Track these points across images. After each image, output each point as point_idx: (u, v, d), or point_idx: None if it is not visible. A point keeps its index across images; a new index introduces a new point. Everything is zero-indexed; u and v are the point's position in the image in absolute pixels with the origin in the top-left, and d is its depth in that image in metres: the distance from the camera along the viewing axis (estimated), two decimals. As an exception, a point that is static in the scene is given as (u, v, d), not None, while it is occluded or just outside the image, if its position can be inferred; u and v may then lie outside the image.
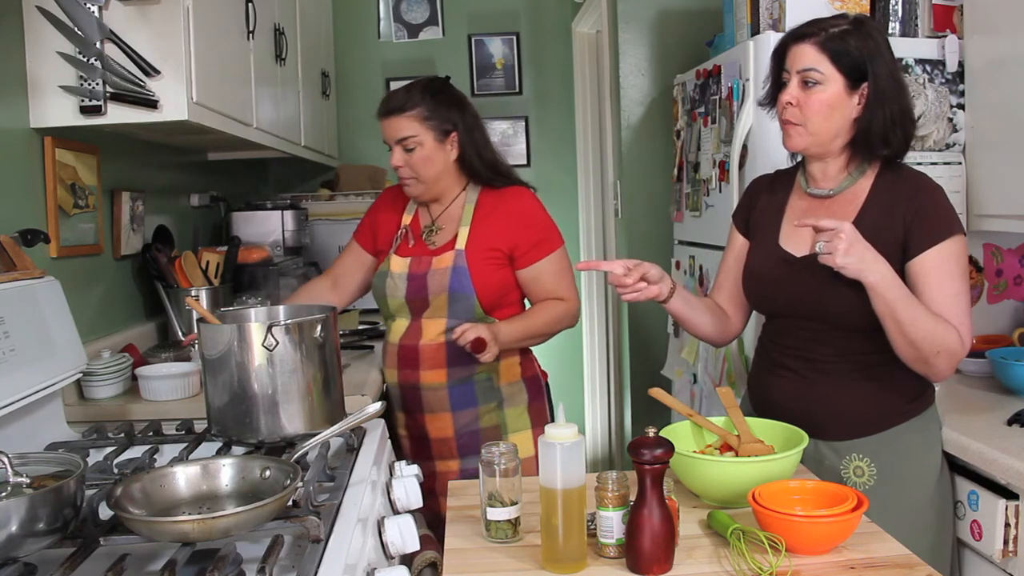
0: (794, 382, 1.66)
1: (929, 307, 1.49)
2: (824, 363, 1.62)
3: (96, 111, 1.86)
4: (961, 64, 2.20)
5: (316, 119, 3.44)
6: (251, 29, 2.44)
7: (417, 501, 1.51)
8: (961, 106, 2.21)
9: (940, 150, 2.21)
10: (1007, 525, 1.58)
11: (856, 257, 1.43)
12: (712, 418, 1.57)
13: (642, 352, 3.29)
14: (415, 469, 1.62)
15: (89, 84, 1.85)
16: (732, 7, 2.50)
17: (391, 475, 1.61)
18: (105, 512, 1.19)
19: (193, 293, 2.42)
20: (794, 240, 1.66)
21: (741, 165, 2.30)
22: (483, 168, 2.05)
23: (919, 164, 2.08)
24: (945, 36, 2.19)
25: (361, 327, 2.88)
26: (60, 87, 1.86)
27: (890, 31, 2.24)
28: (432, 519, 1.80)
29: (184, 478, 1.26)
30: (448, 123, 1.99)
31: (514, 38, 4.19)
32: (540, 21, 4.20)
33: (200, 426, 1.69)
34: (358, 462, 1.49)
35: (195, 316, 1.93)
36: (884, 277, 1.45)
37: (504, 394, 2.06)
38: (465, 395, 2.02)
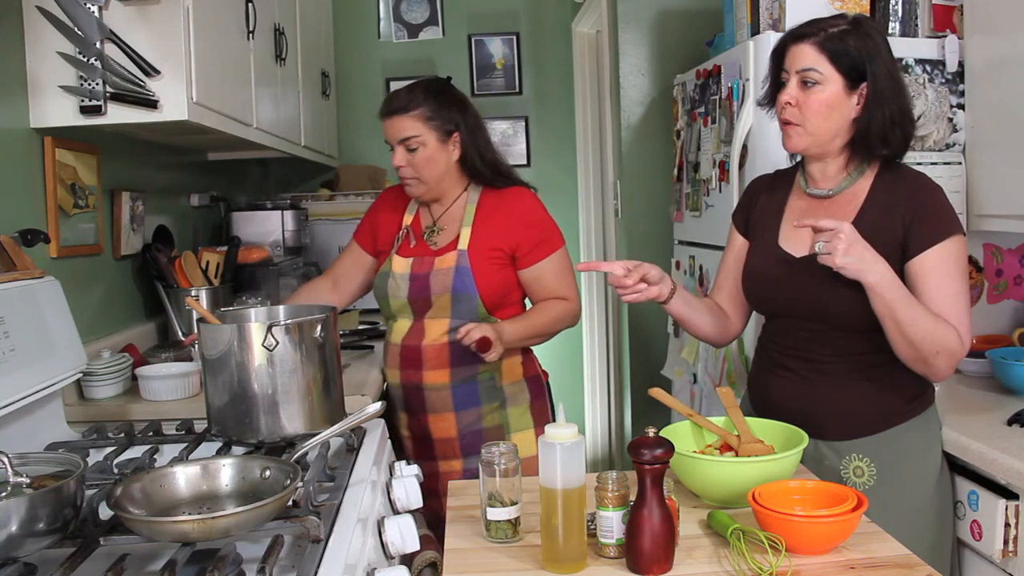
0: (794, 382, 1.66)
1: (928, 307, 1.49)
2: (824, 363, 1.62)
3: (96, 111, 1.86)
4: (961, 64, 2.20)
5: (316, 119, 3.44)
6: (251, 29, 2.44)
7: (417, 501, 1.51)
8: (961, 106, 2.21)
9: (940, 150, 2.21)
10: (1007, 525, 1.58)
11: (855, 257, 1.43)
12: (712, 418, 1.57)
13: (642, 352, 3.29)
14: (415, 469, 1.62)
15: (89, 84, 1.85)
16: (732, 7, 2.50)
17: (391, 475, 1.61)
18: (105, 512, 1.19)
19: (193, 293, 2.42)
20: (793, 240, 1.66)
21: (741, 165, 2.30)
22: (485, 168, 2.05)
23: (919, 164, 2.08)
24: (945, 36, 2.19)
25: (361, 327, 2.88)
26: (60, 87, 1.86)
27: (890, 31, 2.24)
28: (435, 519, 1.80)
29: (184, 478, 1.26)
30: (451, 123, 2.00)
31: (514, 38, 4.19)
32: (540, 21, 4.20)
33: (200, 426, 1.69)
34: (358, 462, 1.49)
35: (195, 316, 1.93)
36: (883, 277, 1.45)
37: (507, 393, 2.06)
38: (468, 395, 2.02)
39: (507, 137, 4.20)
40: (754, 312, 1.82)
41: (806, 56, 1.57)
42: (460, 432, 2.03)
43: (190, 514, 1.19)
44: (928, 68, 2.19)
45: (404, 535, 1.32)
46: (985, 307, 2.33)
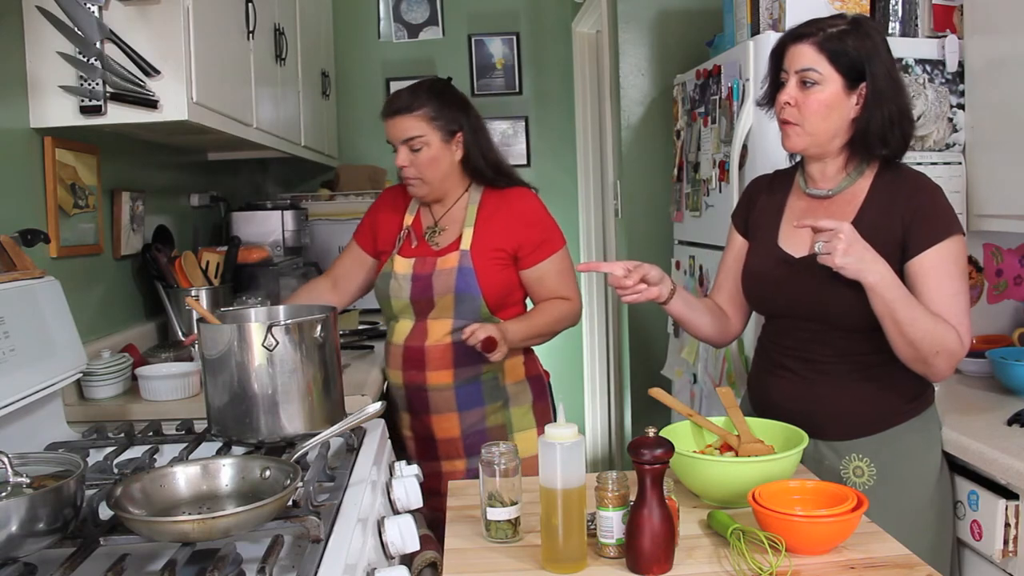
0: (794, 382, 1.66)
1: (928, 307, 1.49)
2: (823, 363, 1.62)
3: (96, 111, 1.86)
4: (961, 64, 2.20)
5: (316, 119, 3.44)
6: (251, 29, 2.44)
7: (417, 501, 1.51)
8: (961, 106, 2.21)
9: (940, 150, 2.21)
10: (1007, 525, 1.58)
11: (855, 257, 1.43)
12: (712, 418, 1.57)
13: (642, 352, 3.29)
14: (415, 469, 1.62)
15: (89, 84, 1.85)
16: (732, 7, 2.50)
17: (391, 475, 1.61)
18: (105, 512, 1.19)
19: (193, 293, 2.42)
20: (793, 241, 1.66)
21: (741, 165, 2.30)
22: (487, 168, 2.06)
23: (919, 164, 2.08)
24: (945, 36, 2.19)
25: (361, 327, 2.88)
26: (60, 87, 1.86)
27: (890, 31, 2.24)
28: (438, 519, 1.80)
29: (184, 478, 1.26)
30: (454, 123, 2.00)
31: (514, 38, 4.19)
32: (540, 21, 4.20)
33: (200, 426, 1.69)
34: (358, 462, 1.49)
35: (195, 316, 1.93)
36: (883, 277, 1.45)
37: (510, 393, 2.06)
38: (472, 395, 2.02)
39: (507, 137, 4.19)
40: (754, 312, 1.82)
41: (805, 56, 1.57)
42: (463, 432, 2.03)
43: (190, 514, 1.19)
44: (928, 68, 2.19)
45: (404, 535, 1.32)
46: (985, 307, 2.33)
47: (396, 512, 1.49)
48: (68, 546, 1.11)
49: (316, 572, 1.07)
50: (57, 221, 1.96)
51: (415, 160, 1.98)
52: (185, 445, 1.57)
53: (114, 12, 1.84)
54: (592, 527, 1.28)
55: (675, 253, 2.94)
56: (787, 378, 1.67)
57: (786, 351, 1.68)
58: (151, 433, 1.71)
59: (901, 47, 2.15)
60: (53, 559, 1.08)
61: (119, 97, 1.86)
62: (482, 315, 1.99)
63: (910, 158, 2.01)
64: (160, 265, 2.43)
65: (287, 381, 1.52)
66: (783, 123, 1.62)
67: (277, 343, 1.50)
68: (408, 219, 2.10)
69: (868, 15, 2.20)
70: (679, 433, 1.55)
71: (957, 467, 1.70)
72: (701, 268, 2.66)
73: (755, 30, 2.34)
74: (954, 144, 2.21)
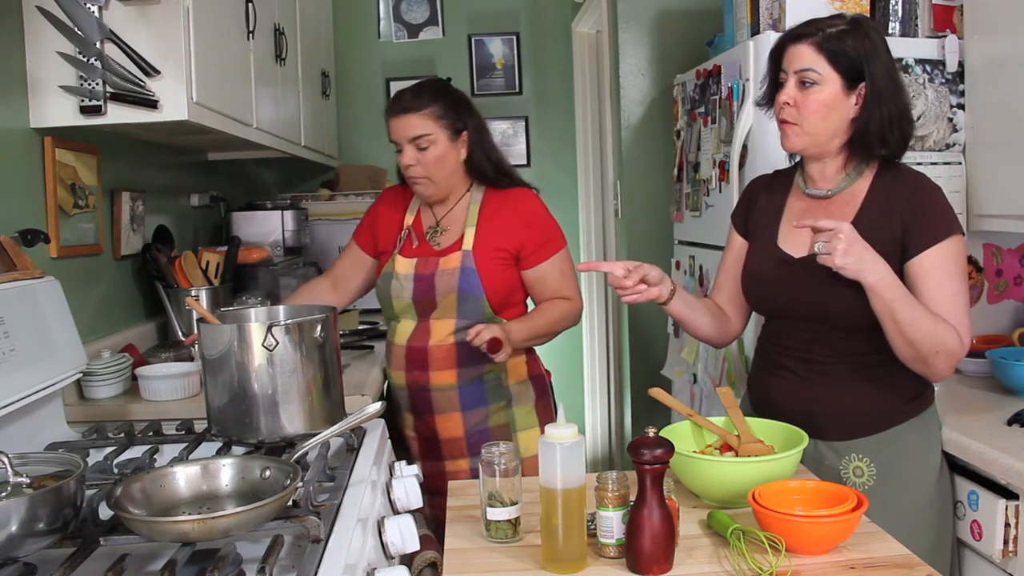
0: (793, 383, 1.66)
1: (928, 307, 1.49)
2: (823, 364, 1.62)
3: (96, 111, 1.86)
4: (961, 64, 2.20)
5: (316, 119, 3.44)
6: (251, 29, 2.44)
7: (417, 501, 1.51)
8: (961, 106, 2.21)
9: (940, 150, 2.21)
10: (1007, 525, 1.58)
11: (855, 257, 1.43)
12: (712, 418, 1.57)
13: (642, 352, 3.29)
14: (415, 469, 1.62)
15: (89, 84, 1.85)
16: (732, 7, 2.50)
17: (391, 475, 1.61)
18: (105, 512, 1.19)
19: (193, 293, 2.42)
20: (792, 241, 1.66)
21: (741, 165, 2.30)
22: (490, 168, 2.06)
23: (919, 164, 2.08)
24: (945, 36, 2.19)
25: (361, 327, 2.88)
26: (60, 87, 1.86)
27: (890, 31, 2.24)
28: (441, 519, 1.80)
29: (184, 478, 1.26)
30: (460, 122, 2.01)
31: (514, 38, 4.19)
32: (540, 21, 4.20)
33: (200, 426, 1.70)
34: (358, 462, 1.49)
35: (195, 316, 1.93)
36: (883, 277, 1.45)
37: (512, 392, 2.07)
38: (475, 395, 2.02)
39: (507, 137, 4.19)
40: (754, 312, 1.82)
41: (804, 56, 1.57)
42: (467, 432, 2.03)
43: (190, 514, 1.19)
44: (928, 68, 2.19)
45: (404, 535, 1.32)
46: (985, 307, 2.33)
47: (396, 512, 1.49)
48: (68, 546, 1.11)
49: (316, 572, 1.07)
50: (57, 221, 1.96)
51: (422, 159, 1.98)
52: (185, 445, 1.57)
53: (114, 12, 1.84)
54: (592, 527, 1.28)
55: (675, 253, 2.94)
56: (787, 378, 1.67)
57: (786, 351, 1.67)
58: (151, 433, 1.71)
59: (901, 47, 2.15)
60: (53, 559, 1.08)
61: (119, 97, 1.86)
62: (485, 315, 1.99)
63: (910, 158, 2.01)
64: (160, 265, 2.43)
65: (287, 381, 1.52)
66: (782, 123, 1.62)
67: (277, 343, 1.50)
68: (409, 219, 2.10)
69: (868, 15, 2.20)
70: (679, 433, 1.55)
71: (957, 467, 1.70)
72: (701, 268, 2.66)
73: (755, 30, 2.34)
74: (954, 144, 2.21)
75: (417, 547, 1.34)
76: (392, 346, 2.08)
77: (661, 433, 1.24)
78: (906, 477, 1.60)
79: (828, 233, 1.44)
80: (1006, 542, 1.58)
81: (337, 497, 1.30)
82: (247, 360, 1.51)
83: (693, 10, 3.17)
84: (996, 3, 2.08)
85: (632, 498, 1.24)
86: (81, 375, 1.82)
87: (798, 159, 1.73)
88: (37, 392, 1.57)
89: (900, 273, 1.51)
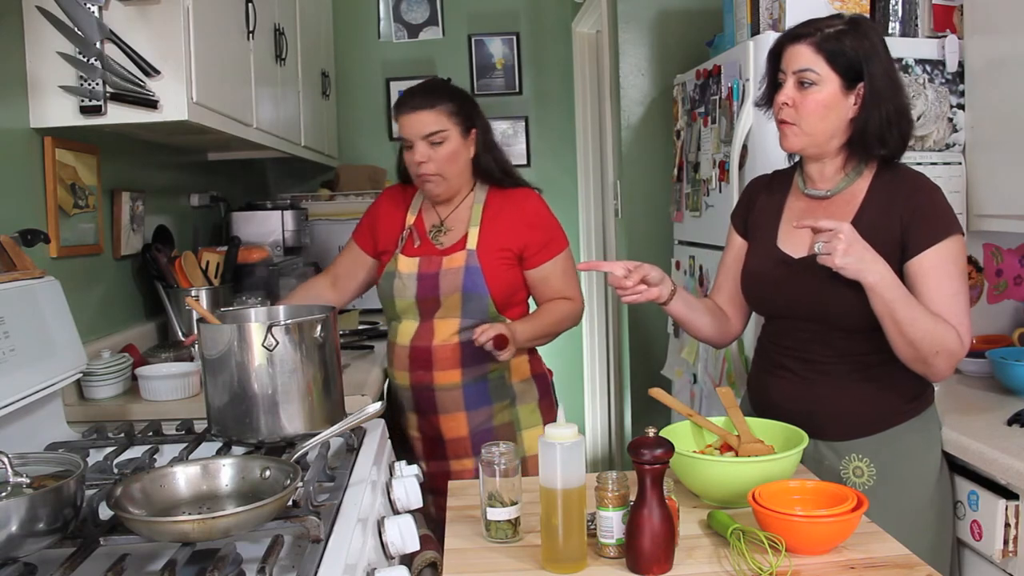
0: (793, 383, 1.66)
1: (928, 307, 1.49)
2: (823, 364, 1.62)
3: (96, 111, 1.86)
4: (961, 64, 2.20)
5: (316, 119, 3.44)
6: (251, 29, 2.44)
7: (417, 501, 1.51)
8: (961, 106, 2.21)
9: (940, 150, 2.21)
10: (1007, 525, 1.58)
11: (855, 257, 1.43)
12: (712, 418, 1.57)
13: (642, 352, 3.29)
14: (415, 469, 1.62)
15: (89, 84, 1.85)
16: (732, 7, 2.50)
17: (391, 475, 1.61)
18: (105, 512, 1.19)
19: (193, 293, 2.42)
20: (792, 241, 1.66)
21: (741, 165, 2.30)
22: (495, 168, 2.07)
23: (919, 164, 2.08)
24: (945, 36, 2.19)
25: (361, 327, 2.88)
26: (60, 87, 1.86)
27: (890, 31, 2.24)
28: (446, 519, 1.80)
29: (184, 478, 1.26)
30: (470, 120, 2.02)
31: (514, 38, 4.19)
32: (540, 21, 4.20)
33: (200, 426, 1.69)
34: (358, 462, 1.49)
35: (195, 316, 1.93)
36: (883, 277, 1.45)
37: (516, 391, 2.07)
38: (479, 394, 2.02)
39: (507, 137, 4.19)
40: (754, 313, 1.82)
41: (803, 56, 1.57)
42: (472, 431, 2.03)
43: (190, 514, 1.19)
44: (928, 68, 2.19)
45: (404, 535, 1.32)
46: (985, 307, 2.33)
47: (396, 512, 1.49)
48: (68, 546, 1.11)
49: (316, 572, 1.07)
50: (57, 221, 1.96)
51: (434, 156, 1.97)
52: (185, 445, 1.57)
53: (114, 12, 1.84)
54: (592, 527, 1.28)
55: (675, 253, 2.94)
56: (787, 378, 1.67)
57: (786, 351, 1.67)
58: (151, 433, 1.71)
59: (901, 47, 2.15)
60: (53, 559, 1.08)
61: (119, 97, 1.86)
62: (489, 314, 1.99)
63: (910, 158, 2.01)
64: (160, 265, 2.43)
65: (287, 381, 1.52)
66: (781, 123, 1.62)
67: (277, 343, 1.50)
68: (411, 218, 2.10)
69: (867, 15, 2.20)
70: (679, 433, 1.55)
71: (957, 467, 1.70)
72: (701, 268, 2.66)
73: (755, 30, 2.34)
74: (954, 144, 2.21)
75: (417, 547, 1.34)
76: (395, 346, 2.08)
77: (661, 433, 1.24)
78: (906, 477, 1.60)
79: (828, 233, 1.44)
80: (1006, 542, 1.58)
81: (337, 497, 1.30)
82: (247, 360, 1.51)
83: (693, 10, 3.17)
84: (996, 3, 2.08)
85: (632, 498, 1.24)
86: (81, 375, 1.82)
87: (797, 159, 1.73)
88: (37, 392, 1.57)
89: (900, 273, 1.51)
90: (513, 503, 1.32)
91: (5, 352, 1.49)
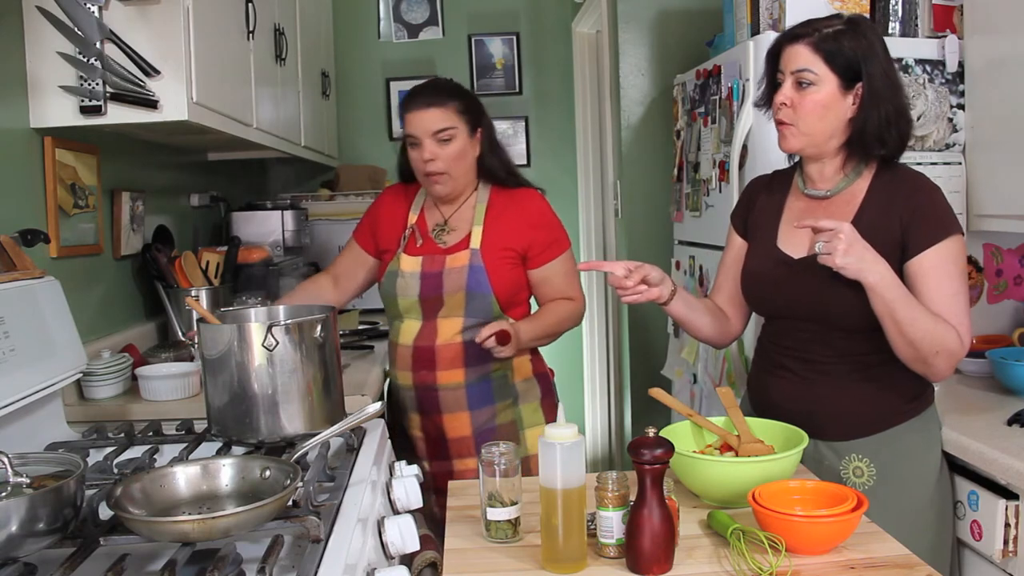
0: (793, 383, 1.66)
1: (928, 307, 1.49)
2: (823, 364, 1.62)
3: (96, 111, 1.86)
4: (961, 64, 2.20)
5: (316, 119, 3.44)
6: (251, 29, 2.44)
7: (417, 501, 1.51)
8: (961, 106, 2.21)
9: (940, 150, 2.21)
10: (1007, 525, 1.58)
11: (855, 257, 1.43)
12: (712, 418, 1.57)
13: (642, 352, 3.29)
14: (415, 469, 1.62)
15: (89, 84, 1.85)
16: (732, 7, 2.50)
17: (391, 475, 1.61)
18: (105, 512, 1.19)
19: (193, 293, 2.42)
20: (792, 241, 1.66)
21: (741, 165, 2.30)
22: (500, 168, 2.07)
23: (919, 164, 2.08)
24: (945, 36, 2.19)
25: (361, 327, 2.88)
26: (60, 87, 1.86)
27: (890, 31, 2.24)
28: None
29: (184, 478, 1.26)
30: (476, 120, 2.02)
31: (514, 38, 4.19)
32: (540, 21, 4.20)
33: (200, 426, 1.69)
34: (358, 462, 1.49)
35: (195, 316, 1.93)
36: (883, 277, 1.45)
37: (519, 390, 2.07)
38: (483, 393, 2.02)
39: (507, 137, 4.19)
40: (754, 313, 1.82)
41: (801, 57, 1.57)
42: (475, 430, 2.03)
43: (190, 514, 1.19)
44: (928, 68, 2.19)
45: (404, 535, 1.32)
46: (985, 307, 2.33)
47: (396, 512, 1.49)
48: (68, 546, 1.11)
49: (316, 572, 1.07)
50: (57, 221, 1.96)
51: (442, 153, 1.97)
52: (185, 445, 1.57)
53: (114, 12, 1.84)
54: (592, 527, 1.28)
55: (675, 253, 2.94)
56: (787, 378, 1.67)
57: (786, 351, 1.67)
58: (151, 433, 1.71)
59: (901, 47, 2.15)
60: (53, 559, 1.08)
61: (119, 97, 1.86)
62: (493, 313, 1.99)
63: (910, 158, 2.01)
64: (160, 265, 2.43)
65: (287, 381, 1.52)
66: (779, 124, 1.62)
67: (277, 343, 1.50)
68: (412, 217, 2.10)
69: (867, 15, 2.20)
70: (679, 433, 1.55)
71: (957, 467, 1.70)
72: (701, 268, 2.66)
73: (755, 30, 2.34)
74: (954, 144, 2.21)
75: (417, 547, 1.34)
76: (397, 346, 2.07)
77: (661, 433, 1.24)
78: (906, 477, 1.60)
79: (829, 233, 1.44)
80: (1006, 542, 1.58)
81: (337, 497, 1.30)
82: (247, 360, 1.51)
83: (693, 10, 3.17)
84: (996, 3, 2.08)
85: (632, 498, 1.24)
86: (81, 375, 1.82)
87: (797, 159, 1.73)
88: (37, 392, 1.57)
89: (900, 273, 1.51)
90: (513, 503, 1.32)
91: (5, 352, 1.49)
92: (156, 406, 1.95)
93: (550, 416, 2.09)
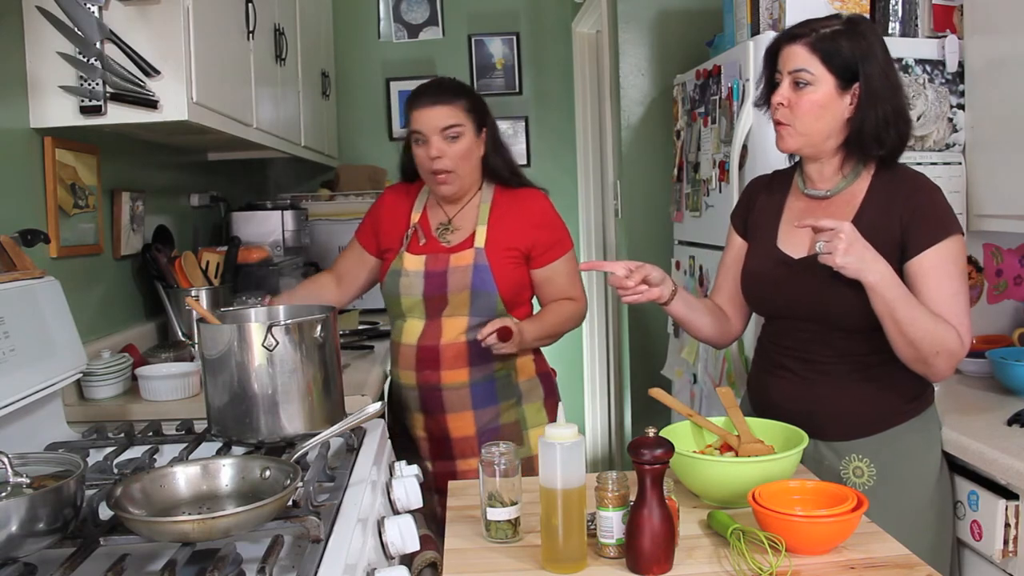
0: (793, 383, 1.66)
1: (928, 307, 1.49)
2: (823, 364, 1.62)
3: (96, 111, 1.86)
4: (961, 64, 2.20)
5: (316, 119, 3.44)
6: (251, 29, 2.44)
7: (417, 501, 1.51)
8: (961, 106, 2.21)
9: (940, 150, 2.21)
10: (1007, 525, 1.58)
11: (856, 257, 1.43)
12: (712, 418, 1.57)
13: (642, 352, 3.29)
14: (415, 469, 1.62)
15: (89, 84, 1.85)
16: (732, 7, 2.50)
17: (391, 475, 1.61)
18: (105, 512, 1.19)
19: (193, 293, 2.42)
20: (792, 241, 1.66)
21: (741, 165, 2.30)
22: (504, 168, 2.07)
23: (919, 164, 2.08)
24: (945, 36, 2.19)
25: (361, 327, 2.88)
26: (60, 87, 1.86)
27: (890, 31, 2.24)
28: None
29: (184, 478, 1.26)
30: (482, 119, 2.03)
31: (514, 38, 4.19)
32: (540, 21, 4.20)
33: (200, 426, 1.69)
34: (358, 462, 1.49)
35: (195, 316, 1.93)
36: (884, 277, 1.45)
37: (522, 390, 2.07)
38: (486, 393, 2.02)
39: (507, 137, 4.14)
40: (754, 313, 1.82)
41: (798, 57, 1.57)
42: (479, 430, 2.03)
43: (190, 514, 1.19)
44: (928, 68, 2.19)
45: (404, 535, 1.32)
46: (985, 307, 2.33)
47: (396, 512, 1.49)
48: (68, 546, 1.11)
49: (316, 572, 1.07)
50: (57, 221, 1.96)
51: (450, 151, 1.96)
52: (185, 445, 1.57)
53: (114, 12, 1.84)
54: (592, 527, 1.28)
55: (675, 253, 2.94)
56: (787, 378, 1.67)
57: (786, 351, 1.67)
58: (151, 433, 1.71)
59: (901, 47, 2.15)
60: (53, 559, 1.08)
61: (119, 97, 1.86)
62: (497, 312, 1.99)
63: (910, 158, 2.01)
64: (160, 265, 2.43)
65: (287, 381, 1.52)
66: (776, 123, 1.62)
67: (277, 343, 1.50)
68: (415, 216, 2.10)
69: (866, 15, 2.20)
70: (679, 433, 1.55)
71: (957, 467, 1.70)
72: (701, 268, 2.66)
73: (755, 30, 2.34)
74: (954, 144, 2.21)
75: (417, 547, 1.34)
76: (400, 346, 2.07)
77: (661, 433, 1.24)
78: (906, 477, 1.60)
79: (829, 232, 1.43)
80: (1006, 542, 1.58)
81: (337, 497, 1.30)
82: (247, 360, 1.51)
83: (693, 10, 3.17)
84: (996, 3, 2.08)
85: (632, 498, 1.24)
86: (81, 375, 1.82)
87: (797, 159, 1.73)
88: (37, 392, 1.57)
89: (900, 273, 1.51)
90: (513, 503, 1.32)
91: (5, 352, 1.49)
92: (156, 406, 1.95)
93: (553, 416, 2.09)
